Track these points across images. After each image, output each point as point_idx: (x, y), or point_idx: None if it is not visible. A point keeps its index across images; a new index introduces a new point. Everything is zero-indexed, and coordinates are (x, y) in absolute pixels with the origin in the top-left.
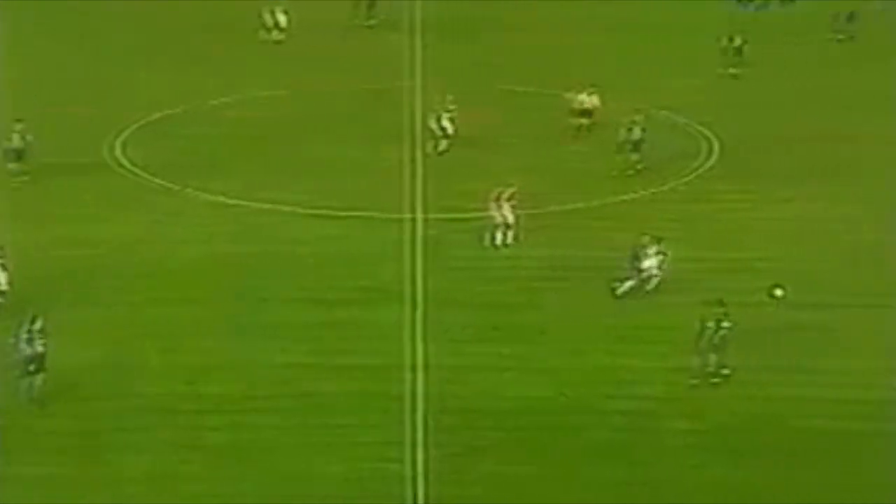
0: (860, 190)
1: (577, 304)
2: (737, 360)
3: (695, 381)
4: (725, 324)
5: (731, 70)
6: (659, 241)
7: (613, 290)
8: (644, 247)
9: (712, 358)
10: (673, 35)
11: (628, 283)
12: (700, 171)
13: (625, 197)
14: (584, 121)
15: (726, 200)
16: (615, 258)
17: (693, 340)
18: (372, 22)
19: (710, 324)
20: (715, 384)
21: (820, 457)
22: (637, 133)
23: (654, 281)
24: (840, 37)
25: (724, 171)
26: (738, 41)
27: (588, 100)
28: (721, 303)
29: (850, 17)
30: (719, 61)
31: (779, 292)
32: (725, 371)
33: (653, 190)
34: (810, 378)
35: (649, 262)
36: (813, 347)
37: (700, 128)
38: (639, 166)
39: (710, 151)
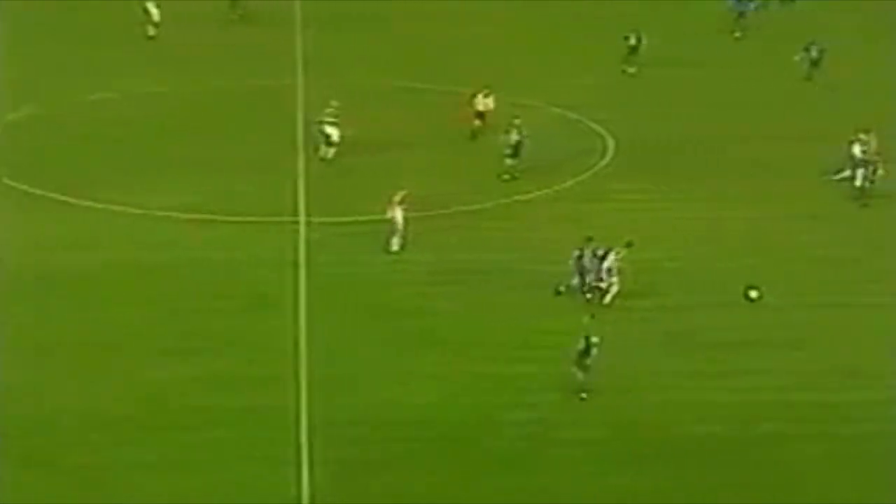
0: (757, 189)
1: (471, 309)
2: (631, 367)
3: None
4: (594, 339)
5: (628, 68)
6: (629, 244)
7: (586, 296)
8: (611, 249)
9: (579, 375)
10: (571, 32)
11: (614, 291)
12: (595, 169)
13: (518, 198)
14: (478, 122)
15: (622, 200)
16: (509, 260)
17: (571, 353)
18: (239, 13)
19: (581, 341)
20: (583, 399)
21: (712, 462)
22: (514, 137)
23: (614, 287)
24: (738, 34)
25: (619, 170)
26: (633, 40)
27: (483, 101)
28: (591, 317)
29: (742, 14)
30: (617, 59)
31: (754, 294)
32: (583, 395)
33: (547, 190)
34: (705, 383)
35: (609, 264)
36: (710, 351)
37: (596, 126)
38: (516, 172)
39: (605, 150)
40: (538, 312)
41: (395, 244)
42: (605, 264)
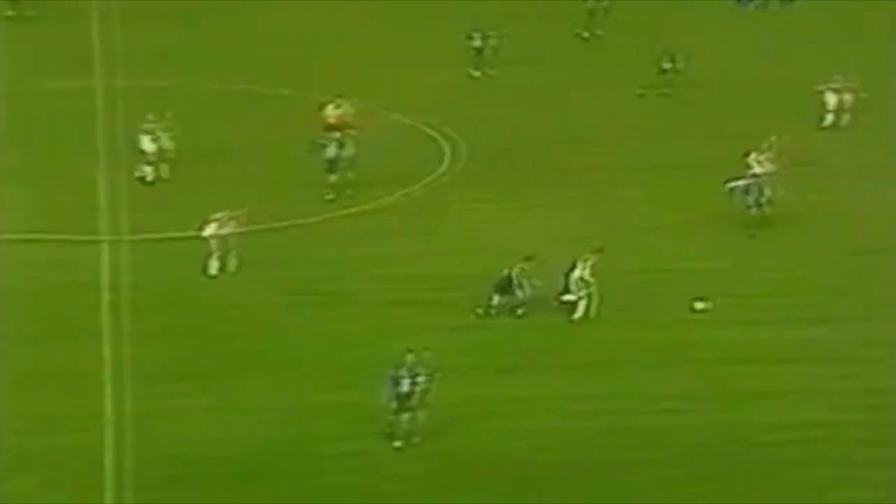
0: (607, 196)
1: (298, 332)
2: (475, 391)
3: (397, 445)
4: (420, 378)
5: (473, 71)
6: (600, 250)
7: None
8: (577, 260)
9: (404, 417)
10: (413, 32)
11: (571, 298)
12: (433, 178)
13: (350, 211)
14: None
15: (463, 211)
16: (340, 279)
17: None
18: (16, 12)
19: (404, 381)
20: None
21: (560, 491)
22: (332, 151)
23: (594, 297)
24: (585, 34)
25: (459, 179)
26: (477, 41)
27: (334, 113)
28: (409, 350)
29: (592, 13)
30: (459, 60)
31: (699, 305)
32: (416, 440)
33: (381, 201)
34: (553, 407)
35: (577, 274)
36: (559, 372)
37: (433, 132)
38: (345, 188)
39: (444, 157)
40: (372, 335)
41: (214, 267)
42: (575, 274)
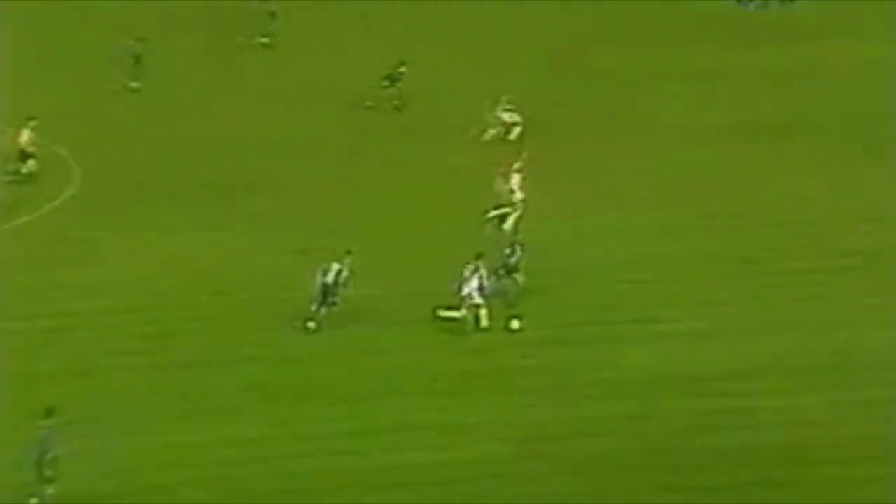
0: (243, 213)
1: None
2: (168, 438)
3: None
4: (50, 455)
5: (130, 82)
6: (479, 257)
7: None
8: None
9: (47, 490)
10: (55, 37)
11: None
12: (55, 203)
13: None
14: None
15: (86, 239)
16: None
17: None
18: None
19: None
20: None
21: None
22: None
23: (483, 312)
24: (240, 38)
25: (86, 204)
26: (137, 48)
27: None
28: (49, 412)
29: (253, 17)
30: (110, 72)
31: (509, 325)
32: None
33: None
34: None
35: (470, 287)
36: (287, 408)
37: (61, 151)
38: None
39: (69, 180)
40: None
41: None
42: (474, 283)
